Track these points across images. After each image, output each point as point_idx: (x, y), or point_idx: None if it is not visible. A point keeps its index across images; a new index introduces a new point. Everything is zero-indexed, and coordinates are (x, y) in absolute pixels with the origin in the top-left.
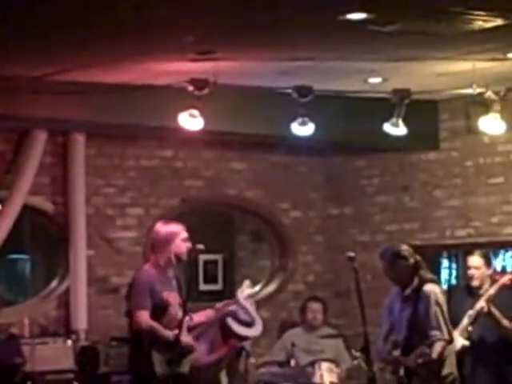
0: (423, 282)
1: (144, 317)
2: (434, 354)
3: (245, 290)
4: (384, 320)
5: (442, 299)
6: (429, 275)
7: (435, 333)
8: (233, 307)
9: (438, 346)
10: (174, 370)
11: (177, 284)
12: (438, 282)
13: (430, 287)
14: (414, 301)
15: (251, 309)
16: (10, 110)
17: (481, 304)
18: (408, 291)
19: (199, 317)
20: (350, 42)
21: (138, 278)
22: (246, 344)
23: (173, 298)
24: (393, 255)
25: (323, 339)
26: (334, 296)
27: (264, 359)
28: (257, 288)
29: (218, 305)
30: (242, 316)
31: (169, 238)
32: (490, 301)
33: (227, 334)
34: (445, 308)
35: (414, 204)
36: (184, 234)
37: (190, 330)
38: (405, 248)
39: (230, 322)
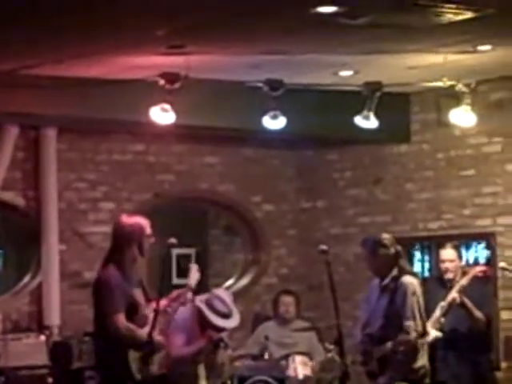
0: (402, 272)
1: (121, 320)
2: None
3: (193, 276)
4: (361, 312)
5: (419, 292)
6: (408, 267)
7: (409, 323)
8: (202, 297)
9: (412, 337)
10: (147, 369)
11: (138, 281)
12: (416, 274)
13: (408, 279)
14: (391, 291)
15: (228, 300)
16: None
17: (453, 295)
18: (386, 281)
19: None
20: (320, 35)
21: (108, 280)
22: (224, 335)
23: (139, 295)
24: (374, 243)
25: (296, 332)
26: (307, 289)
27: (238, 352)
28: (230, 281)
29: (172, 295)
30: (219, 307)
31: (135, 231)
32: (462, 292)
33: (204, 325)
34: (421, 301)
35: (386, 197)
36: (149, 228)
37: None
38: (386, 237)
39: (207, 312)
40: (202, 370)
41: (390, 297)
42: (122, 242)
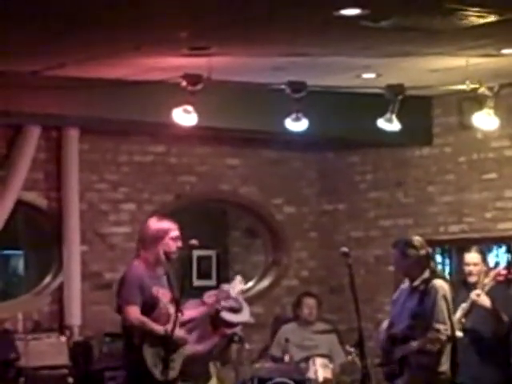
0: (434, 275)
1: (134, 312)
2: (438, 345)
3: (236, 286)
4: (390, 314)
5: (450, 296)
6: (439, 271)
7: (439, 326)
8: (225, 302)
9: (442, 339)
10: (166, 367)
11: (167, 281)
12: (447, 278)
13: (439, 282)
14: (421, 292)
15: (236, 295)
16: (3, 105)
17: (476, 292)
18: (417, 282)
19: (190, 311)
20: (343, 37)
21: (128, 273)
22: (237, 330)
23: (162, 293)
24: (405, 244)
25: (317, 335)
26: (328, 292)
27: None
28: (250, 284)
29: (208, 298)
30: (229, 302)
31: (159, 235)
32: (484, 292)
33: (216, 322)
34: (451, 306)
35: (407, 200)
36: (175, 233)
37: (182, 325)
38: (417, 238)
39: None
40: (212, 368)
41: (419, 298)
42: (146, 242)
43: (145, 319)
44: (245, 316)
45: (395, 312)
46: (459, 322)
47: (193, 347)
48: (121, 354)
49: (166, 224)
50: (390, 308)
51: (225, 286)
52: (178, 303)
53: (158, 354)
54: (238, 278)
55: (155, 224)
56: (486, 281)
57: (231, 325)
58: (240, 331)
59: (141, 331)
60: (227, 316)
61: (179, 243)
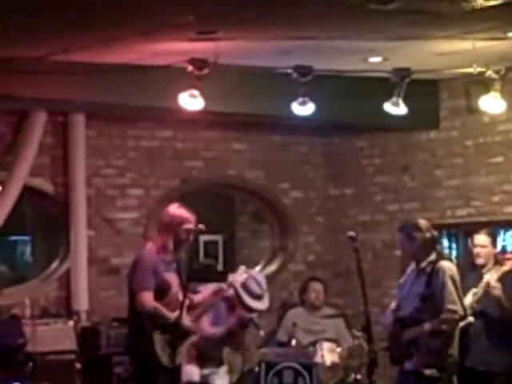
0: (440, 257)
1: (148, 298)
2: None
3: (238, 276)
4: (396, 297)
5: (457, 277)
6: (445, 253)
7: (451, 306)
8: (240, 280)
9: (456, 319)
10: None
11: (177, 266)
12: (453, 261)
13: (446, 263)
14: (428, 275)
15: (263, 282)
16: (10, 90)
17: (488, 280)
18: (423, 264)
19: (198, 297)
20: (350, 20)
21: (143, 258)
22: (254, 316)
23: (173, 279)
24: (410, 227)
25: (324, 319)
26: (335, 276)
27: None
28: (257, 268)
29: (214, 288)
30: (254, 288)
31: (174, 222)
32: (500, 279)
33: (233, 305)
34: (459, 286)
35: (414, 184)
36: (190, 225)
37: (189, 309)
38: (422, 222)
39: (241, 292)
40: (225, 353)
41: (426, 281)
42: (161, 227)
43: (158, 305)
44: (264, 304)
45: (402, 295)
46: (471, 307)
47: (207, 330)
48: (126, 339)
49: (185, 213)
50: (397, 291)
51: (230, 276)
52: (185, 290)
53: (166, 341)
54: (242, 268)
55: (175, 210)
56: (505, 268)
57: (249, 309)
58: (256, 318)
59: (153, 318)
60: (248, 300)
61: (191, 237)
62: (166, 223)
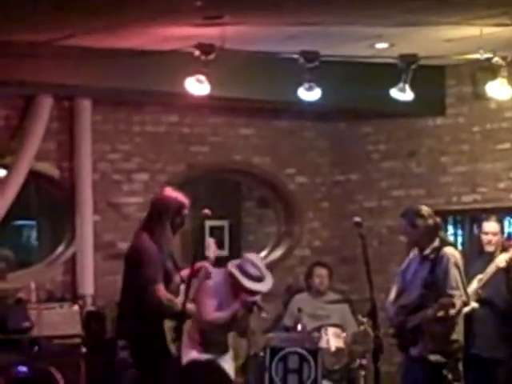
0: (444, 243)
1: (162, 291)
2: (453, 311)
3: (211, 249)
4: (395, 284)
5: (461, 263)
6: (448, 239)
7: (455, 292)
8: (237, 262)
9: (457, 304)
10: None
11: (169, 252)
12: (457, 247)
13: (450, 250)
14: (432, 261)
15: (260, 264)
16: (16, 75)
17: (496, 264)
18: (428, 251)
19: (184, 273)
20: (357, 6)
21: (148, 250)
22: (257, 298)
23: (172, 268)
24: (413, 213)
25: (329, 304)
26: (340, 262)
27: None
28: (263, 254)
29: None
30: (251, 270)
31: (169, 206)
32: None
33: (237, 290)
34: (462, 272)
35: (420, 170)
36: (186, 210)
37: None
38: (425, 209)
39: (240, 276)
40: (230, 338)
41: (430, 267)
42: (156, 212)
43: (171, 297)
44: (266, 285)
45: (406, 281)
46: (476, 293)
47: (213, 314)
48: (129, 329)
49: (179, 197)
50: (398, 278)
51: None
52: (192, 272)
53: (172, 329)
54: (211, 240)
55: (168, 194)
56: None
57: (251, 292)
58: (260, 301)
59: (167, 309)
60: (247, 283)
61: (184, 221)
62: (162, 207)
